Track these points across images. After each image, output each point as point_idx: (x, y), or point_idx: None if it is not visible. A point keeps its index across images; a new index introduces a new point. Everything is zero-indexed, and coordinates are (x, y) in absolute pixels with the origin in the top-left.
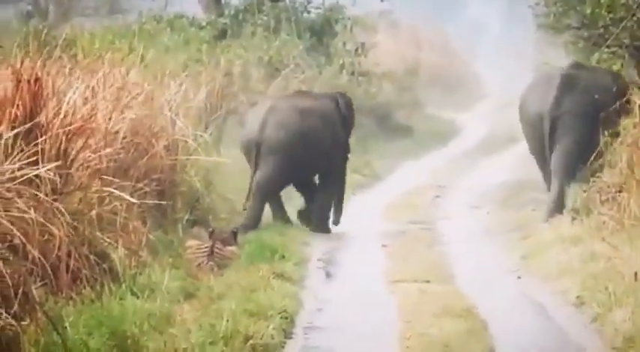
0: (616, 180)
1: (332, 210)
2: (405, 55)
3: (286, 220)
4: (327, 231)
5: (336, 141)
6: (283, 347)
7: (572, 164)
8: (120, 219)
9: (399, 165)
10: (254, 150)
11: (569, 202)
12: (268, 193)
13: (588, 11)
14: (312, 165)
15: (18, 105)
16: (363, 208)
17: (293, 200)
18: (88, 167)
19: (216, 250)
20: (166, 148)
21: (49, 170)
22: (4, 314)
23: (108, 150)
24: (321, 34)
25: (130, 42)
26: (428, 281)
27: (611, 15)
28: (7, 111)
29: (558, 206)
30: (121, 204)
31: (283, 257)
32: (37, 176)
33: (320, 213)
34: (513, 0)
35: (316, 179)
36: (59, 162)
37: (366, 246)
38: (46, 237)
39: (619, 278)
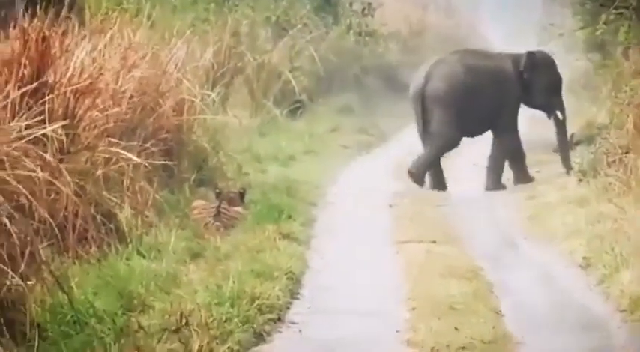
0: (623, 142)
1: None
2: (410, 15)
3: (442, 185)
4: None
5: (504, 100)
6: (289, 307)
7: None
8: (126, 179)
9: (406, 126)
10: (419, 102)
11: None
12: (441, 147)
13: None
14: (477, 121)
15: (25, 65)
16: (369, 168)
17: None
18: (95, 127)
19: (222, 210)
20: (173, 108)
21: (56, 129)
22: (11, 274)
23: (115, 109)
24: None
25: (138, 2)
26: (434, 242)
27: None
28: (15, 70)
29: None
30: (127, 164)
31: (290, 217)
32: (44, 135)
33: (494, 170)
34: None
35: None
36: (66, 122)
37: (373, 206)
38: (52, 197)
39: (625, 240)
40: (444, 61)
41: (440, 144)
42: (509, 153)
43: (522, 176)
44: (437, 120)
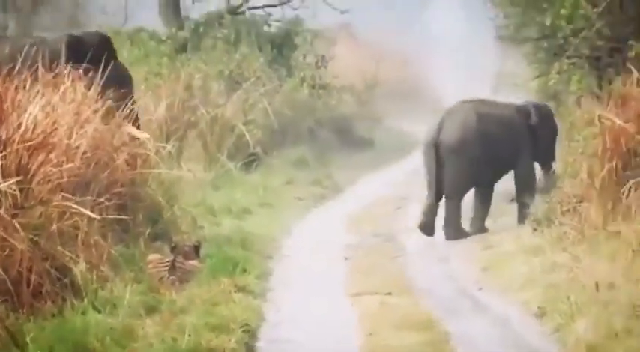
0: (577, 191)
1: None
2: (364, 67)
3: (458, 228)
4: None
5: (518, 151)
6: None
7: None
8: (81, 233)
9: (360, 178)
10: (432, 151)
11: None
12: (457, 194)
13: (548, 22)
14: (490, 170)
15: None
16: (324, 221)
17: None
18: (49, 181)
19: (177, 264)
20: (127, 162)
21: (10, 185)
22: None
23: (69, 164)
24: (281, 47)
25: None
26: (389, 294)
27: (570, 26)
28: None
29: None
30: (82, 219)
31: (245, 270)
32: None
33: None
34: (473, 12)
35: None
36: (20, 177)
37: (328, 259)
38: (7, 252)
39: (580, 289)
40: (456, 110)
41: (456, 193)
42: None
43: (481, 226)
44: (451, 169)
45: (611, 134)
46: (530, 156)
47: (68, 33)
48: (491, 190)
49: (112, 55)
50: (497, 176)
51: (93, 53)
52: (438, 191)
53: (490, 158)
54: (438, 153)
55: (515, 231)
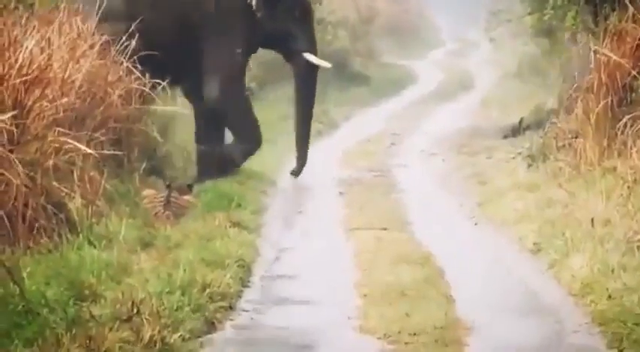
0: (572, 126)
1: None
2: (359, 2)
3: None
4: None
5: None
6: (240, 296)
7: None
8: (76, 169)
9: (355, 113)
10: None
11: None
12: None
13: None
14: None
15: None
16: (320, 156)
17: None
18: (44, 117)
19: (172, 199)
20: (123, 97)
21: (5, 120)
22: None
23: (64, 99)
24: None
25: None
26: (385, 229)
27: None
28: None
29: None
30: (77, 154)
31: (240, 205)
32: None
33: None
34: None
35: None
36: (16, 112)
37: (323, 194)
38: (2, 187)
39: (576, 225)
40: None
41: None
42: None
43: None
44: None
45: (606, 70)
46: None
47: None
48: None
49: None
50: None
51: None
52: None
53: None
54: None
55: (509, 167)
